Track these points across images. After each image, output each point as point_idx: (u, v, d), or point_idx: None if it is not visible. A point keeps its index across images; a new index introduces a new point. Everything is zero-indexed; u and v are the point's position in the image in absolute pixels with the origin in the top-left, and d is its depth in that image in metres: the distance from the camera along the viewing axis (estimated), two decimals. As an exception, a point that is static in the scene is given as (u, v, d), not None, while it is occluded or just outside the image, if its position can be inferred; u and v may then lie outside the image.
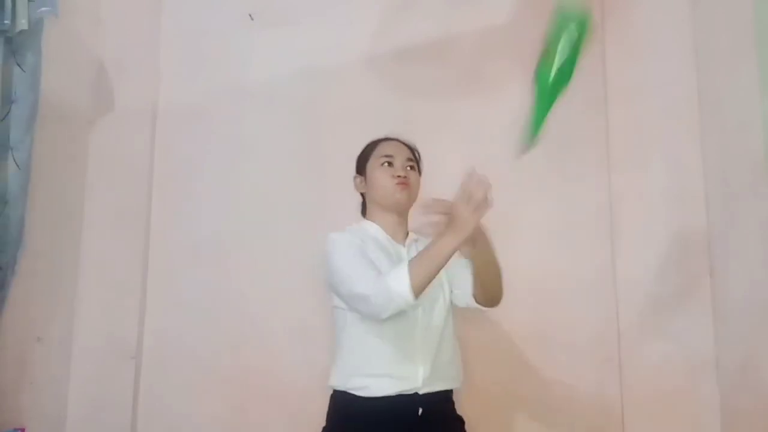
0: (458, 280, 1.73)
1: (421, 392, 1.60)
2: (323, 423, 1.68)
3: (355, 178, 1.83)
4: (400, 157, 1.76)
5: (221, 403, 2.18)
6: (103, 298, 2.21)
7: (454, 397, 1.73)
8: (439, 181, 2.21)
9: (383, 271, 1.57)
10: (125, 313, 2.24)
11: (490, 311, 2.14)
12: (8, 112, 1.78)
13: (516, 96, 2.26)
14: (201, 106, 2.35)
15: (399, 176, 1.72)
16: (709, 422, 1.93)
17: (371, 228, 1.75)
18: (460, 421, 1.72)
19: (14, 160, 1.79)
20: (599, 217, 2.21)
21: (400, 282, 1.47)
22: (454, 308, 1.76)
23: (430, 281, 1.50)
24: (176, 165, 2.34)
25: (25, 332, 1.96)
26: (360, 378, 1.61)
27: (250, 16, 2.38)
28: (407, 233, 1.79)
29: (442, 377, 1.65)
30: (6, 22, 1.73)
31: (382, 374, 1.59)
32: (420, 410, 1.59)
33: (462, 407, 1.75)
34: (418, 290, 1.47)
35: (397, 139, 1.82)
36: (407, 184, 1.73)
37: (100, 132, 2.26)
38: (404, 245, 1.76)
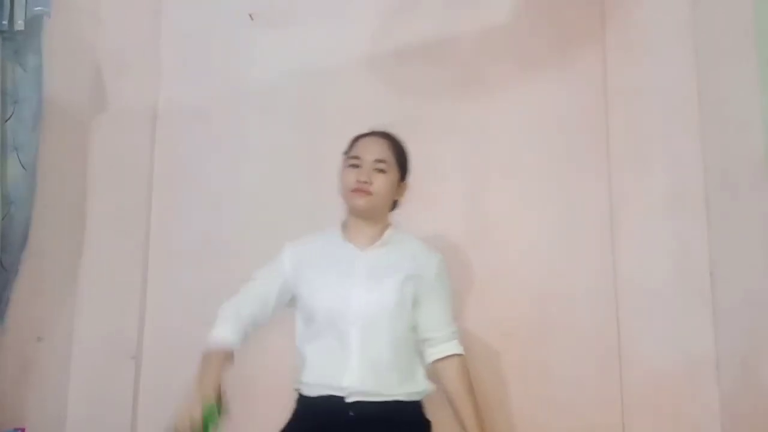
0: (427, 322, 1.71)
1: (348, 401, 1.59)
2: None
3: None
4: (369, 159, 1.68)
5: (221, 403, 2.18)
6: (103, 298, 2.21)
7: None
8: (439, 181, 2.23)
9: (329, 280, 1.66)
10: (125, 313, 2.24)
11: (491, 310, 2.16)
12: (12, 113, 1.78)
13: (516, 96, 2.28)
14: (201, 105, 2.35)
15: (359, 181, 1.66)
16: (709, 422, 1.93)
17: (331, 233, 1.74)
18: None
19: (19, 161, 1.79)
20: (599, 217, 2.21)
21: (215, 331, 1.64)
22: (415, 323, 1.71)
23: None
24: (176, 165, 2.34)
25: (25, 332, 1.96)
26: (300, 379, 1.69)
27: (250, 16, 2.38)
28: (382, 234, 1.72)
29: (381, 393, 1.61)
30: (4, 23, 1.73)
31: (314, 379, 1.65)
32: (351, 413, 1.58)
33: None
34: None
35: (379, 134, 1.74)
36: (365, 192, 1.65)
37: (100, 132, 2.26)
38: (365, 249, 1.70)
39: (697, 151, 2.01)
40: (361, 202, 1.66)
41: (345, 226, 1.74)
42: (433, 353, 1.69)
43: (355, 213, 1.71)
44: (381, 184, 1.67)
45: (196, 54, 2.39)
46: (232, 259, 2.25)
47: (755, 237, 1.77)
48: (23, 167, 1.79)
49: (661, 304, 2.06)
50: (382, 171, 1.68)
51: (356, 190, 1.66)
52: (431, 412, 1.72)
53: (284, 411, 1.71)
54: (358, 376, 1.60)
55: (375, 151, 1.70)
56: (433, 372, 1.71)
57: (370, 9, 2.35)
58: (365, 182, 1.66)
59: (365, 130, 1.77)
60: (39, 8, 1.80)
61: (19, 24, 1.74)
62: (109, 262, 2.22)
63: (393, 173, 1.71)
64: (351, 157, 1.71)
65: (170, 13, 2.43)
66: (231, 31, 2.39)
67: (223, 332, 1.64)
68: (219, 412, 1.51)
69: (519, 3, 2.31)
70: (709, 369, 1.96)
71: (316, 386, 1.64)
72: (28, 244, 1.84)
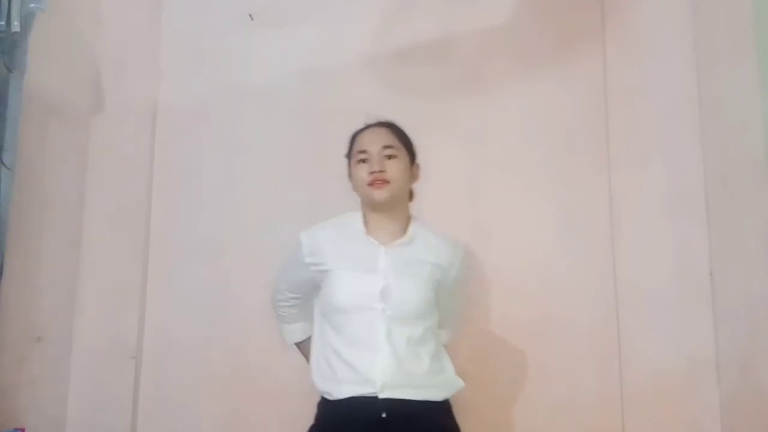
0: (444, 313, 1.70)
1: (381, 396, 1.52)
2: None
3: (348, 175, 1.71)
4: (375, 148, 1.62)
5: (221, 403, 2.18)
6: (103, 298, 2.21)
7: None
8: (439, 181, 2.23)
9: (353, 276, 1.60)
10: (125, 313, 2.24)
11: (490, 310, 2.16)
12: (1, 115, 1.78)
13: (516, 96, 2.28)
14: (201, 106, 2.35)
15: (373, 172, 1.59)
16: (709, 422, 1.93)
17: (352, 225, 1.65)
18: None
19: (2, 161, 1.78)
20: (599, 217, 2.21)
21: (286, 334, 1.80)
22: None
23: None
24: (176, 165, 2.34)
25: (25, 332, 1.96)
26: (325, 382, 1.60)
27: (250, 16, 2.38)
28: (405, 230, 1.65)
29: (413, 386, 1.55)
30: (1, 23, 1.73)
31: (341, 379, 1.56)
32: (384, 414, 1.51)
33: (462, 406, 1.74)
34: None
35: (377, 124, 1.68)
36: (383, 181, 1.59)
37: (100, 132, 2.26)
38: (387, 247, 1.61)
39: (697, 151, 2.01)
40: (381, 193, 1.59)
41: (366, 222, 1.66)
42: None
43: (375, 208, 1.63)
44: (395, 169, 1.61)
45: (196, 54, 2.39)
46: (232, 259, 2.25)
47: (755, 237, 1.77)
48: (7, 167, 1.78)
49: (661, 305, 2.06)
50: (392, 156, 1.62)
51: (372, 183, 1.59)
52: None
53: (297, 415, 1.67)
54: (388, 370, 1.53)
55: (379, 139, 1.64)
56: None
57: (370, 9, 2.35)
58: (380, 171, 1.59)
59: (360, 126, 1.72)
60: (34, 5, 1.79)
61: (15, 25, 1.74)
62: (109, 262, 2.22)
63: (403, 156, 1.65)
64: (357, 153, 1.65)
65: (170, 13, 2.43)
66: (231, 31, 2.39)
67: (294, 335, 1.80)
68: None
69: (519, 3, 2.31)
70: (709, 369, 1.97)
71: (344, 386, 1.55)
72: (8, 244, 1.80)
